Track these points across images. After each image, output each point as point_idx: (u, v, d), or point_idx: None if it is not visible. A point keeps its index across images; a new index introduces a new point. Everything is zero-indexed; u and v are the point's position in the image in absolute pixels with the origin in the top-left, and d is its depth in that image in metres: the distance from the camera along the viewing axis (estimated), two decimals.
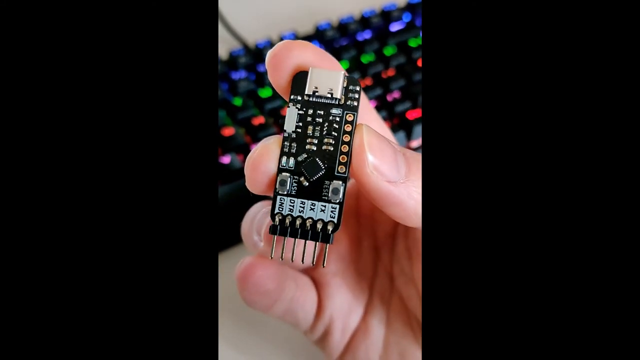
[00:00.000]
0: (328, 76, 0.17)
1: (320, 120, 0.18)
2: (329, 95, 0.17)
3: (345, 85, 0.18)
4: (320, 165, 0.17)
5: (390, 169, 0.17)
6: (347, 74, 0.18)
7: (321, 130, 0.18)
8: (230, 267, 0.30)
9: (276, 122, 0.34)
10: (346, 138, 0.17)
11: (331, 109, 0.18)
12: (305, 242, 0.18)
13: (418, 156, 0.18)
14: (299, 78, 0.18)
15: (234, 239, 0.31)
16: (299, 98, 0.18)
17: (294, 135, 0.18)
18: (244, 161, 0.31)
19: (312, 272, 0.23)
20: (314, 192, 0.17)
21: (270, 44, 0.38)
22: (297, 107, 0.18)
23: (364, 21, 0.41)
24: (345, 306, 0.23)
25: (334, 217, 0.17)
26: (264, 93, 0.35)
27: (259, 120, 0.33)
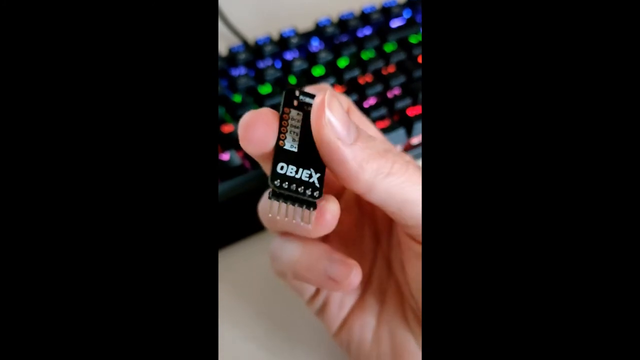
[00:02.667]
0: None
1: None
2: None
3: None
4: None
5: (341, 128, 0.19)
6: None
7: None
8: (231, 264, 0.30)
9: None
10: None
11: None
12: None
13: (370, 136, 0.20)
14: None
15: (234, 236, 0.31)
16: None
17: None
18: (243, 158, 0.31)
19: None
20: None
21: (270, 41, 0.38)
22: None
23: (364, 17, 0.40)
24: None
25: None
26: (264, 90, 0.35)
27: None
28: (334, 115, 0.19)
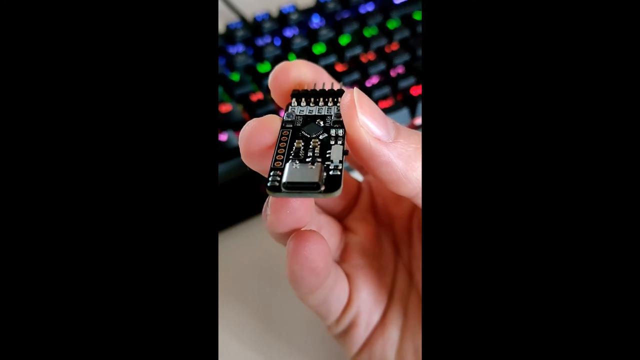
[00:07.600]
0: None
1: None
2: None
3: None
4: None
5: (378, 127, 0.17)
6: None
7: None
8: (230, 247, 0.29)
9: None
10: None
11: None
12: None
13: (411, 130, 0.18)
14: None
15: (232, 218, 0.31)
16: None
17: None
18: None
19: (339, 264, 0.23)
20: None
21: (269, 17, 0.37)
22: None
23: None
24: (370, 300, 0.22)
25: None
26: (263, 68, 0.34)
27: (257, 96, 0.32)
28: (367, 114, 0.17)
